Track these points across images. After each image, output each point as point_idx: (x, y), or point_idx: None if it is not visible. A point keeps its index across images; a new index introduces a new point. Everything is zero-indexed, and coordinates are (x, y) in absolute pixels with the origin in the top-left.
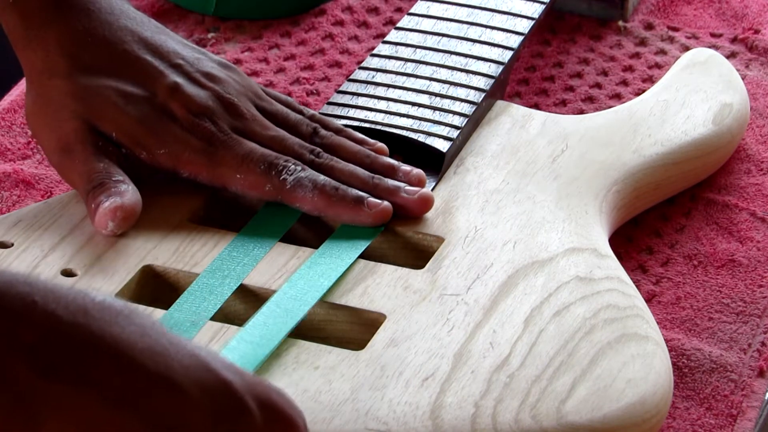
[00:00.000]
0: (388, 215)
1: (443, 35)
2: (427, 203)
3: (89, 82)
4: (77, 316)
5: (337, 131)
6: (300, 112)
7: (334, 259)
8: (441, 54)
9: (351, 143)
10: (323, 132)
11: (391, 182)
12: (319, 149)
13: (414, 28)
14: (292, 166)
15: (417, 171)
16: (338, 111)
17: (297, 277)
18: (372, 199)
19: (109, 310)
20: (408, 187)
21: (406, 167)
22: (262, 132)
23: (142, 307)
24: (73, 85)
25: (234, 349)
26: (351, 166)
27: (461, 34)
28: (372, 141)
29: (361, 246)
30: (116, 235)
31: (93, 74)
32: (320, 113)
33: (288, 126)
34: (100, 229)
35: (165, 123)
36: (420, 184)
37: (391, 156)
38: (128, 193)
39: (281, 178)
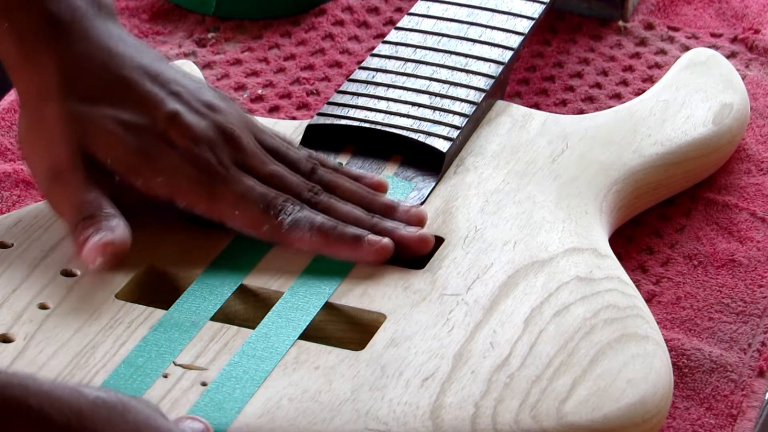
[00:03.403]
0: (389, 252)
1: (443, 35)
2: (426, 243)
3: (85, 107)
4: (71, 420)
5: (335, 170)
6: (297, 151)
7: (336, 263)
8: (441, 54)
9: (349, 182)
10: (321, 170)
11: (389, 223)
12: (318, 187)
13: (414, 28)
14: (290, 206)
15: (416, 209)
16: (338, 111)
17: (298, 284)
18: (372, 236)
19: (102, 409)
20: (407, 227)
21: (405, 205)
22: (262, 167)
23: (143, 401)
24: (68, 110)
25: (237, 365)
26: (349, 206)
27: (461, 34)
28: (370, 175)
29: None
30: (102, 270)
31: (89, 100)
32: (320, 113)
33: (287, 162)
34: (87, 263)
35: (163, 151)
36: (419, 222)
37: (391, 156)
38: (119, 228)
39: (278, 219)
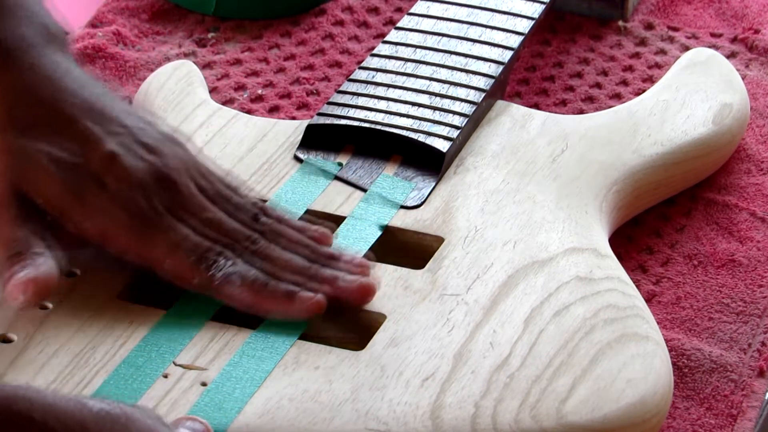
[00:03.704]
0: (321, 308)
1: (443, 35)
2: (367, 292)
3: (23, 142)
4: None
5: (278, 219)
6: (242, 197)
7: None
8: (441, 54)
9: (292, 231)
10: (264, 219)
11: (328, 271)
12: (257, 235)
13: (414, 27)
14: (223, 261)
15: (360, 259)
16: (338, 111)
17: None
18: (303, 294)
19: (106, 421)
20: (347, 276)
21: (348, 255)
22: (199, 213)
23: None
24: (6, 143)
25: (237, 365)
26: (288, 254)
27: (461, 34)
28: (314, 227)
29: (362, 249)
30: (28, 307)
31: (28, 134)
32: (320, 113)
33: (228, 209)
34: (10, 299)
35: (95, 194)
36: (362, 271)
37: (391, 156)
38: (44, 266)
39: (210, 272)
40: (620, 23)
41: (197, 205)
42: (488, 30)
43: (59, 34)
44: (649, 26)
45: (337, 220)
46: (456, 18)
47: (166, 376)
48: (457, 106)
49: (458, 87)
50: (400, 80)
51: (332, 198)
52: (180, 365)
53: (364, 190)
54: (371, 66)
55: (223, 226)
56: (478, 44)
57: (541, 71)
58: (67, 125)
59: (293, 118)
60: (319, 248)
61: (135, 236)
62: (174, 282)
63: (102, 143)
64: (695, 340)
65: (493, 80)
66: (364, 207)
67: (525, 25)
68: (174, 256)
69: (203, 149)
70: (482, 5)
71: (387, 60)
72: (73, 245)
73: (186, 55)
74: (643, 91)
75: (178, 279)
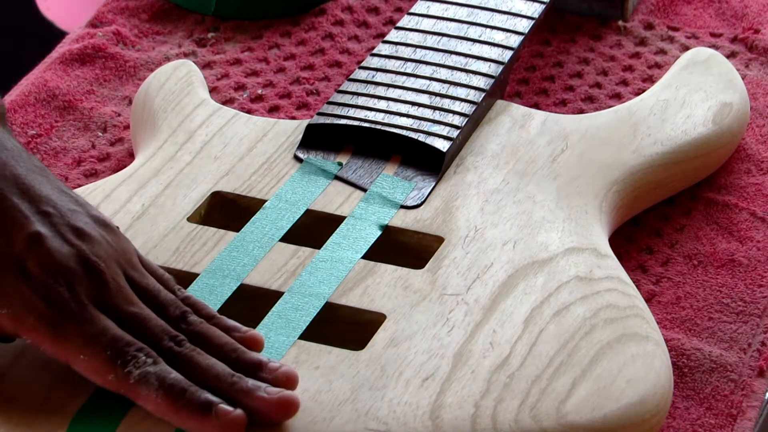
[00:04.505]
0: (241, 425)
1: (443, 35)
2: (288, 407)
3: None
4: None
5: (209, 318)
6: (173, 292)
7: (335, 263)
8: (441, 53)
9: (219, 334)
10: (192, 318)
11: (251, 382)
12: (182, 337)
13: (414, 27)
14: (142, 358)
15: (285, 369)
16: (338, 110)
17: (297, 285)
18: (222, 407)
19: None
20: (269, 388)
21: (274, 364)
22: (123, 307)
23: None
24: None
25: None
26: (211, 360)
27: (461, 34)
28: (245, 329)
29: (362, 249)
30: None
31: None
32: (320, 113)
33: (156, 305)
34: None
35: (13, 278)
36: (287, 384)
37: (391, 156)
38: None
39: (126, 370)
40: (620, 23)
41: (123, 298)
42: (488, 30)
43: None
44: (649, 26)
45: (337, 220)
46: (456, 18)
47: None
48: (457, 106)
49: (458, 87)
50: (400, 80)
51: (332, 198)
52: None
53: (364, 190)
54: (371, 66)
55: (148, 323)
56: (478, 44)
57: (541, 71)
58: None
59: (293, 118)
60: (246, 354)
61: (51, 329)
62: (89, 378)
63: (27, 224)
64: (695, 340)
65: (493, 80)
66: (364, 207)
67: (525, 25)
68: (89, 350)
69: (203, 149)
70: (482, 5)
71: (387, 60)
72: None
73: (186, 55)
74: (643, 90)
75: (92, 374)
